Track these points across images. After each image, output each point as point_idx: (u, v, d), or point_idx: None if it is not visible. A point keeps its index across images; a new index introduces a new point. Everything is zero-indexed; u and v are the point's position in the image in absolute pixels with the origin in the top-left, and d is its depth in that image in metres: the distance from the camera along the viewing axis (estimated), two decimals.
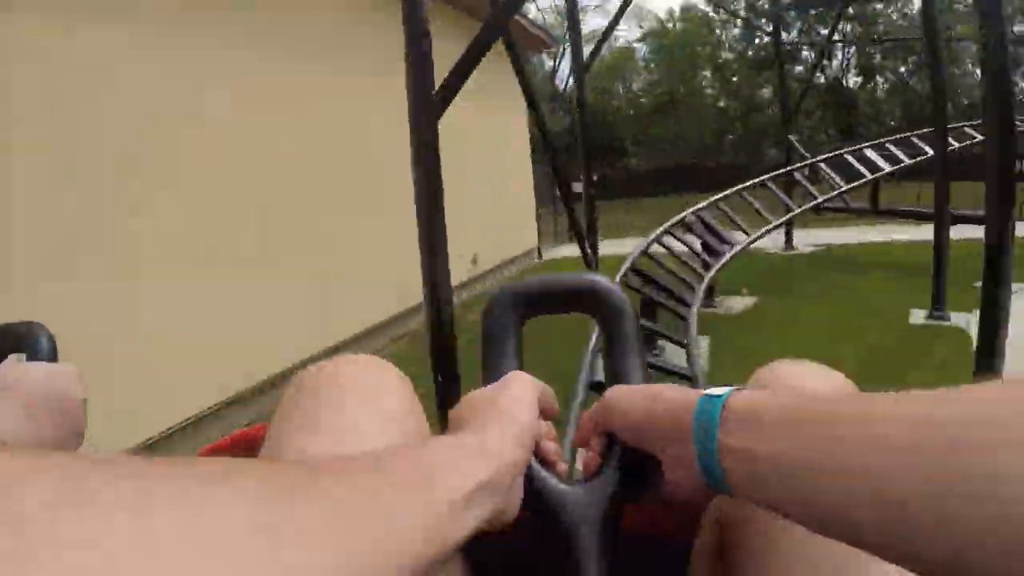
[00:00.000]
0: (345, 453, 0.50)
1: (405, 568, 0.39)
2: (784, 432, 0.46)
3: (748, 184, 7.85)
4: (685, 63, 32.41)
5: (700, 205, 6.88)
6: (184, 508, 0.29)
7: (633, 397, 0.62)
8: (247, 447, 0.80)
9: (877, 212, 10.32)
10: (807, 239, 11.93)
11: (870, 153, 9.57)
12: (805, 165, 9.37)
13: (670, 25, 34.13)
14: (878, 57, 31.95)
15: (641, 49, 35.63)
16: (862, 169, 9.23)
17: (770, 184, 8.37)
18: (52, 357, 0.92)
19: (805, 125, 26.44)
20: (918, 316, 6.53)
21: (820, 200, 8.60)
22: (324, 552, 0.33)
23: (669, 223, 6.46)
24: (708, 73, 33.86)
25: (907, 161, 9.53)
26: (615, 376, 0.72)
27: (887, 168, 9.26)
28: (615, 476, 0.62)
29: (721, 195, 7.31)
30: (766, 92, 31.24)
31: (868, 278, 8.73)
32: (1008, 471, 0.33)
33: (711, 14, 33.50)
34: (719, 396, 0.53)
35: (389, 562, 0.38)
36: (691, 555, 0.70)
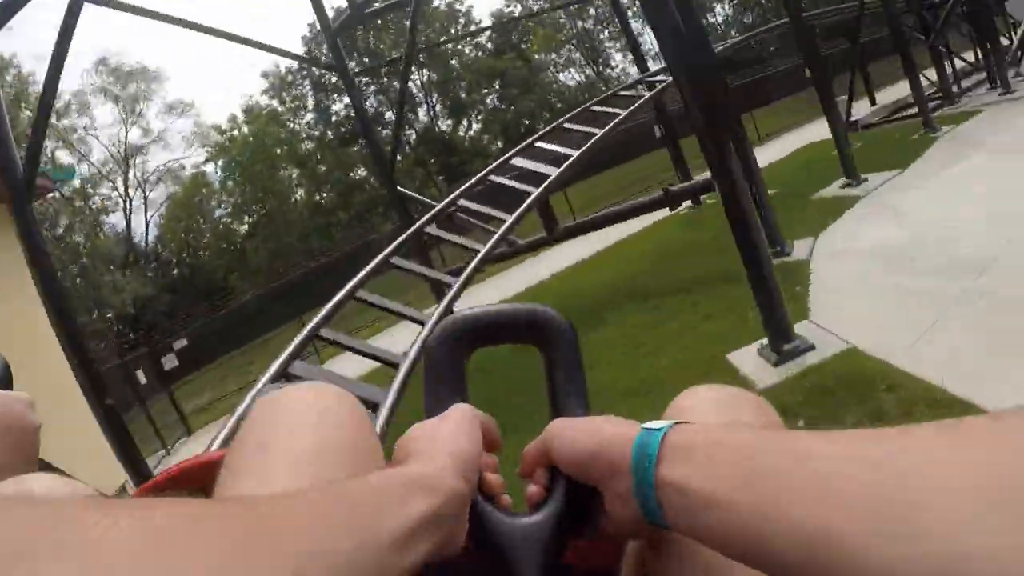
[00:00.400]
0: (299, 483, 0.51)
1: None
2: (719, 466, 0.47)
3: (358, 281, 5.89)
4: (264, 169, 30.37)
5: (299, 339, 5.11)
6: (147, 559, 0.31)
7: (575, 429, 0.62)
8: (202, 475, 0.73)
9: (554, 239, 8.47)
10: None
11: (523, 162, 7.38)
12: (429, 221, 7.18)
13: (235, 133, 31.91)
14: (464, 95, 33.63)
15: (215, 171, 33.02)
16: (523, 187, 7.32)
17: (398, 263, 6.35)
18: (6, 384, 0.94)
19: (410, 183, 25.43)
20: None
21: (478, 258, 6.33)
22: None
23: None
24: (294, 171, 32.19)
25: (574, 154, 7.74)
26: (557, 407, 0.73)
27: (554, 173, 7.33)
28: (558, 509, 0.62)
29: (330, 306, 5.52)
30: (362, 170, 30.29)
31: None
32: (923, 510, 0.34)
33: (278, 107, 31.73)
34: (659, 430, 0.53)
35: None
36: None
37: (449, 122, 41.44)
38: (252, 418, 0.62)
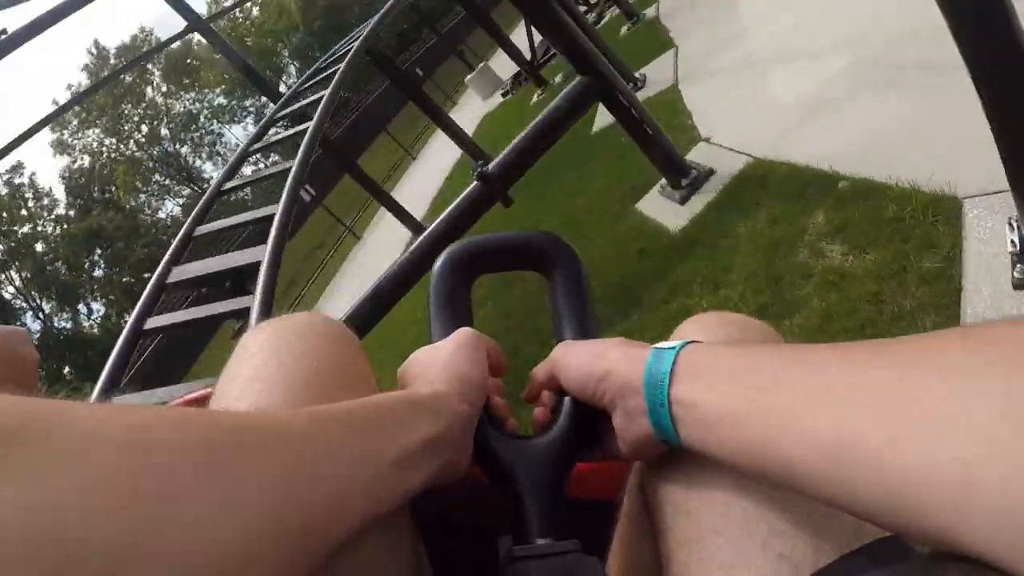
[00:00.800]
0: (293, 409, 0.48)
1: (353, 522, 0.41)
2: (732, 382, 0.47)
3: None
4: None
5: None
6: (133, 449, 0.31)
7: (582, 352, 0.62)
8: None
9: None
10: None
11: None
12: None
13: None
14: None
15: None
16: None
17: None
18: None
19: None
20: None
21: None
22: (270, 503, 0.35)
23: None
24: None
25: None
26: (564, 331, 0.73)
27: None
28: (565, 432, 0.62)
29: None
30: None
31: None
32: (941, 408, 0.33)
33: None
34: (670, 349, 0.53)
35: (336, 516, 0.40)
36: (618, 519, 0.68)
37: (66, 316, 38.38)
38: (241, 349, 0.59)
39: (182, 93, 45.08)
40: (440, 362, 0.61)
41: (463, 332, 0.67)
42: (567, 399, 0.63)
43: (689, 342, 0.54)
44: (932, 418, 0.34)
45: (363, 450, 0.44)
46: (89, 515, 0.28)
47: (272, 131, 6.85)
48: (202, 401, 0.72)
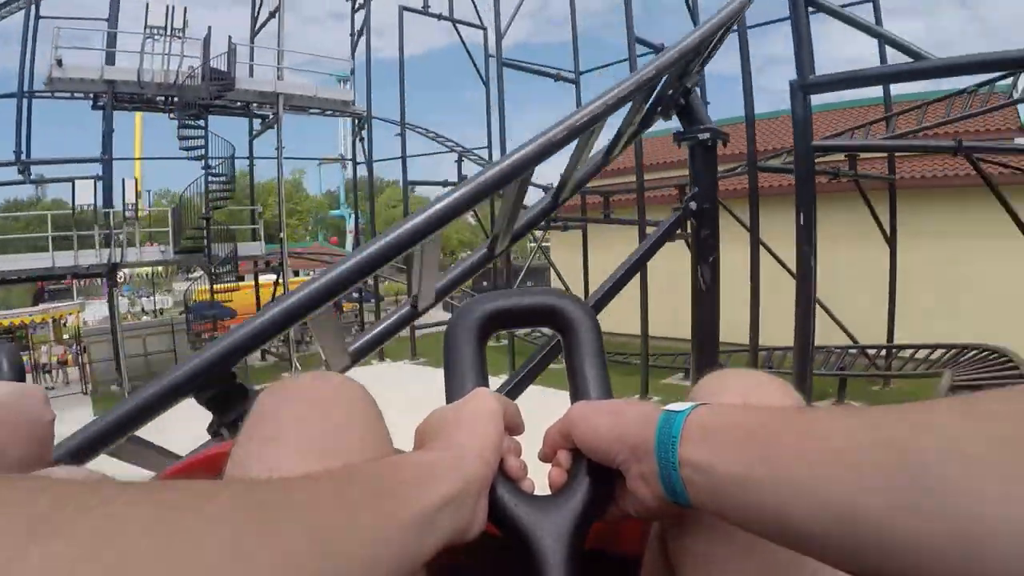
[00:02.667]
0: (310, 471, 0.46)
1: None
2: (742, 446, 0.47)
3: None
4: None
5: None
6: (158, 537, 0.30)
7: (597, 412, 0.62)
8: (209, 467, 0.77)
9: None
10: None
11: None
12: None
13: None
14: None
15: None
16: None
17: None
18: (19, 376, 0.96)
19: None
20: None
21: None
22: (296, 574, 0.34)
23: None
24: None
25: None
26: (579, 391, 0.72)
27: None
28: (581, 492, 0.61)
29: None
30: None
31: None
32: (946, 488, 0.34)
33: None
34: (681, 412, 0.53)
35: None
36: (640, 571, 0.69)
37: None
38: (257, 410, 0.59)
39: None
40: (457, 421, 0.61)
41: (480, 392, 0.67)
42: (583, 459, 0.63)
43: (700, 404, 0.55)
44: (940, 492, 0.34)
45: (383, 512, 0.43)
46: None
47: None
48: (218, 458, 0.70)
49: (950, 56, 4.62)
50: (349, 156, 21.94)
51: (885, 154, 10.18)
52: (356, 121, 16.22)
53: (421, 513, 0.46)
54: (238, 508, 0.35)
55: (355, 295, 18.59)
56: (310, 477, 0.43)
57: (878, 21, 8.82)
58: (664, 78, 2.38)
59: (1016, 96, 7.34)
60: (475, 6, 15.31)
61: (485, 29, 15.37)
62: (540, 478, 0.66)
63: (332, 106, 16.08)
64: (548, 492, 0.64)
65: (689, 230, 3.15)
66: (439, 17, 14.71)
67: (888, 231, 9.92)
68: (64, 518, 0.28)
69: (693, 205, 2.87)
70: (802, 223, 5.10)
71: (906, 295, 9.87)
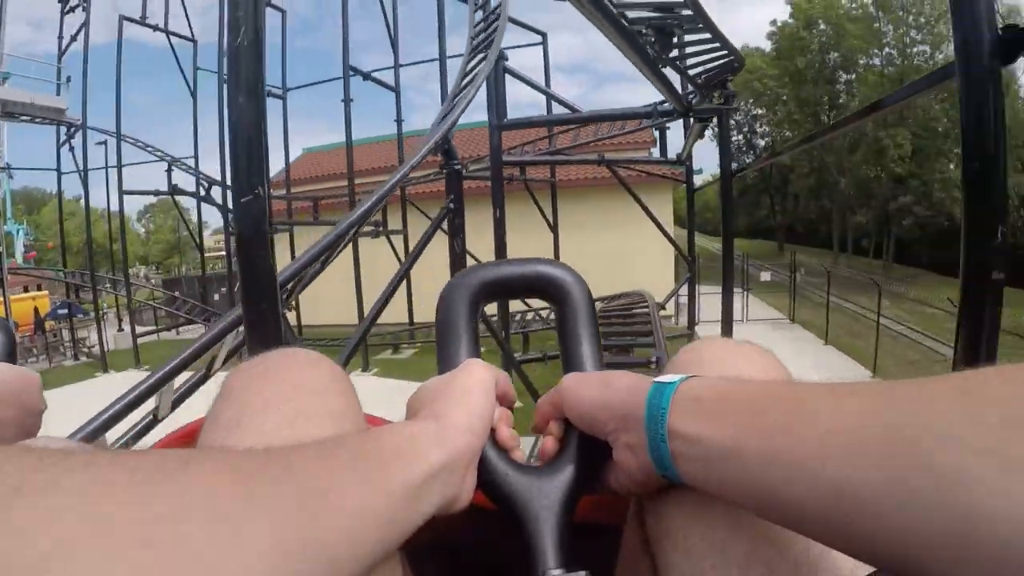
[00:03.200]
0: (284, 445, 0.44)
1: (363, 554, 0.39)
2: (732, 419, 0.47)
3: None
4: None
5: None
6: (142, 496, 0.30)
7: (587, 384, 0.62)
8: (188, 442, 0.76)
9: None
10: None
11: None
12: None
13: None
14: None
15: None
16: None
17: None
18: (10, 358, 0.92)
19: None
20: None
21: None
22: (283, 541, 0.33)
23: None
24: None
25: None
26: (571, 362, 0.72)
27: None
28: (571, 463, 0.62)
29: None
30: None
31: None
32: (943, 474, 0.34)
33: None
34: (671, 383, 0.53)
35: (348, 549, 0.38)
36: (620, 547, 0.70)
37: None
38: (225, 390, 0.58)
39: None
40: (447, 393, 0.60)
41: (471, 363, 0.66)
42: (574, 431, 0.63)
43: (691, 376, 0.54)
44: (935, 477, 0.34)
45: (371, 479, 0.43)
46: (98, 567, 0.26)
47: None
48: (190, 436, 0.70)
49: (597, 109, 7.78)
50: (4, 164, 19.55)
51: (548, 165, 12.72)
52: (69, 129, 15.48)
53: (407, 483, 0.46)
54: (221, 472, 0.34)
55: (62, 311, 17.56)
56: (295, 446, 0.42)
57: (547, 82, 11.25)
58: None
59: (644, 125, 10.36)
60: (188, 19, 15.61)
61: (195, 42, 15.72)
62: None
63: (46, 114, 15.07)
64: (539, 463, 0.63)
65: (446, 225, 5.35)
66: (155, 28, 14.73)
67: (551, 221, 12.50)
68: (46, 478, 0.28)
69: (452, 205, 5.14)
70: (497, 216, 7.12)
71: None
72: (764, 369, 0.63)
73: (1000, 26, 1.78)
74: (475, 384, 0.62)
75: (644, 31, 4.41)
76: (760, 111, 40.08)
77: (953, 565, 0.33)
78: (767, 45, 37.91)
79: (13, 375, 0.82)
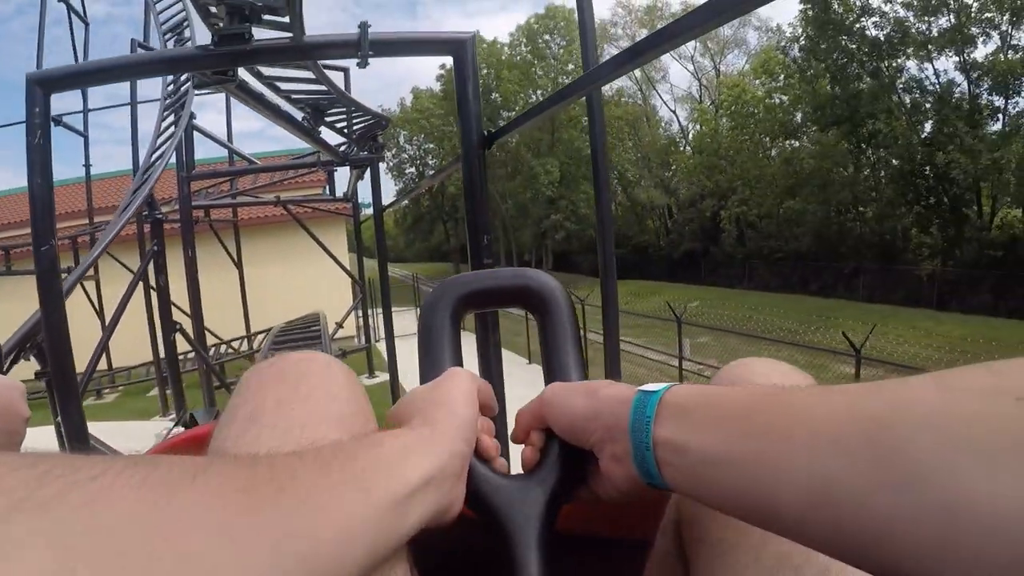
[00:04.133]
0: (292, 450, 0.46)
1: (354, 565, 0.40)
2: (718, 425, 0.47)
3: None
4: None
5: None
6: (147, 511, 0.30)
7: (571, 393, 0.62)
8: (194, 446, 0.78)
9: None
10: None
11: None
12: None
13: None
14: None
15: None
16: None
17: None
18: None
19: None
20: None
21: None
22: (283, 555, 0.34)
23: None
24: None
25: None
26: (553, 372, 0.72)
27: None
28: (553, 472, 0.62)
29: None
30: None
31: None
32: (922, 461, 0.34)
33: None
34: (656, 391, 0.54)
35: (341, 561, 0.39)
36: (649, 557, 0.70)
37: None
38: (241, 388, 0.59)
39: None
40: (434, 401, 0.61)
41: (455, 372, 0.67)
42: (555, 440, 0.63)
43: (675, 384, 0.54)
44: (915, 466, 0.34)
45: (364, 489, 0.43)
46: None
47: None
48: (202, 438, 0.70)
49: (274, 152, 8.91)
50: None
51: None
52: None
53: (400, 492, 0.46)
54: (226, 486, 0.35)
55: None
56: (295, 454, 0.43)
57: (230, 135, 11.61)
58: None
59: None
60: None
61: None
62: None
63: None
64: (521, 472, 0.62)
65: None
66: None
67: (235, 257, 13.01)
68: (51, 493, 0.28)
69: (156, 247, 6.31)
70: (189, 255, 7.93)
71: (257, 300, 13.45)
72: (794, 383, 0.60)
73: (485, 128, 2.64)
74: (460, 393, 0.62)
75: (302, 108, 5.91)
76: (431, 145, 43.37)
77: (935, 556, 0.33)
78: (438, 86, 41.52)
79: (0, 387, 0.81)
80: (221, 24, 2.83)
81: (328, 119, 6.33)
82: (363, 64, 2.97)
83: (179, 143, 7.98)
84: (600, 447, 0.58)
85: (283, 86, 5.08)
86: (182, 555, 0.30)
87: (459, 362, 0.73)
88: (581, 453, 0.61)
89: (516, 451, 0.68)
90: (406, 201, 43.79)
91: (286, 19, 2.82)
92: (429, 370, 0.71)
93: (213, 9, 2.83)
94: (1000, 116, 21.03)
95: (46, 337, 2.98)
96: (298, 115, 5.77)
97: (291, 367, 0.61)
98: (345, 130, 7.22)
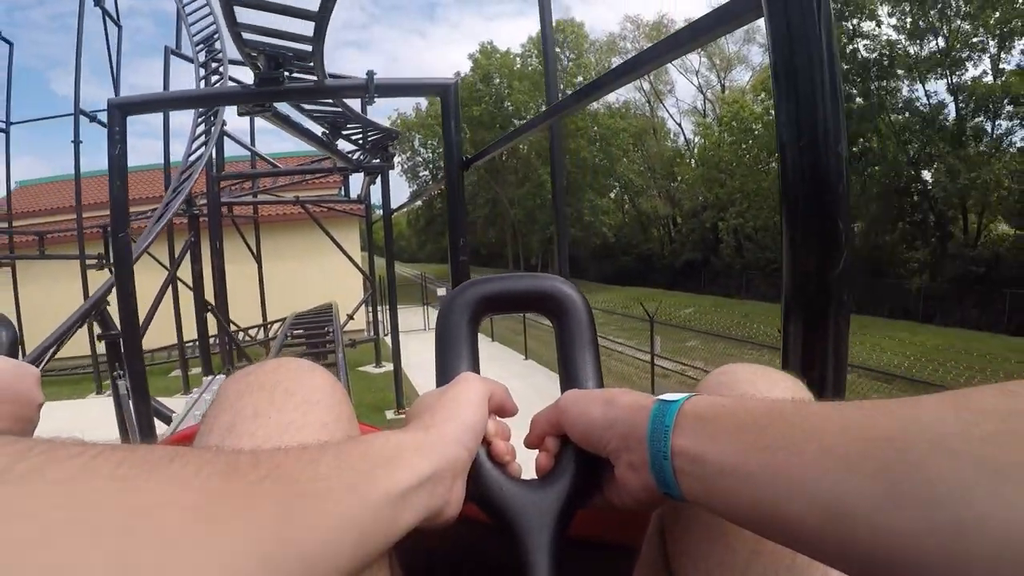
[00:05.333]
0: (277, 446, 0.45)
1: (342, 559, 0.39)
2: (735, 437, 0.46)
3: None
4: None
5: None
6: (123, 486, 0.30)
7: (589, 401, 0.61)
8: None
9: None
10: None
11: None
12: None
13: None
14: None
15: None
16: None
17: None
18: (12, 352, 0.93)
19: None
20: None
21: None
22: (260, 539, 0.33)
23: None
24: None
25: None
26: (570, 379, 0.72)
27: None
28: (567, 478, 0.61)
29: None
30: None
31: None
32: (936, 481, 0.34)
33: None
34: (676, 401, 0.53)
35: (326, 553, 0.38)
36: (635, 564, 0.69)
37: None
38: (220, 397, 0.58)
39: None
40: (439, 405, 0.61)
41: (466, 377, 0.66)
42: (570, 447, 0.63)
43: (694, 394, 0.54)
44: (928, 485, 0.34)
45: (355, 485, 0.43)
46: (77, 554, 0.26)
47: None
48: (186, 439, 0.68)
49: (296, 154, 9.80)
50: None
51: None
52: None
53: (390, 491, 0.45)
54: (205, 469, 0.34)
55: None
56: (281, 449, 0.42)
57: (252, 139, 12.00)
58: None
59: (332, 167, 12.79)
60: None
61: None
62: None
63: None
64: (534, 477, 0.63)
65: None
66: None
67: (255, 252, 13.83)
68: (30, 466, 0.28)
69: (192, 239, 7.20)
70: (217, 246, 8.84)
71: (273, 292, 14.38)
72: (790, 393, 0.62)
73: (464, 153, 3.40)
74: (467, 397, 0.62)
75: (323, 124, 6.79)
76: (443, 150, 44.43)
77: (946, 575, 0.33)
78: None
79: (10, 368, 0.82)
80: (261, 68, 3.70)
81: (344, 133, 7.19)
82: (370, 102, 3.93)
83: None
84: (616, 455, 0.57)
85: (306, 105, 5.94)
86: (156, 530, 0.29)
87: (474, 367, 0.72)
88: (596, 460, 0.61)
89: (525, 456, 0.67)
90: (419, 203, 44.84)
91: (311, 64, 3.71)
92: (444, 374, 0.70)
93: (254, 54, 3.70)
94: (983, 137, 21.65)
95: (120, 304, 3.85)
96: (318, 130, 6.63)
97: (269, 375, 0.59)
98: (359, 142, 8.09)
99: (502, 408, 0.68)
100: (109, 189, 3.71)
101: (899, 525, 0.35)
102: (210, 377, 7.46)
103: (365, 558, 0.42)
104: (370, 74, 3.63)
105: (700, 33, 1.41)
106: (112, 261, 3.86)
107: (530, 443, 0.67)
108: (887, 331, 17.80)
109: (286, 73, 3.70)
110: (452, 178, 3.50)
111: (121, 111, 3.61)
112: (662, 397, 0.55)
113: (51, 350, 4.24)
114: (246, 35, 3.58)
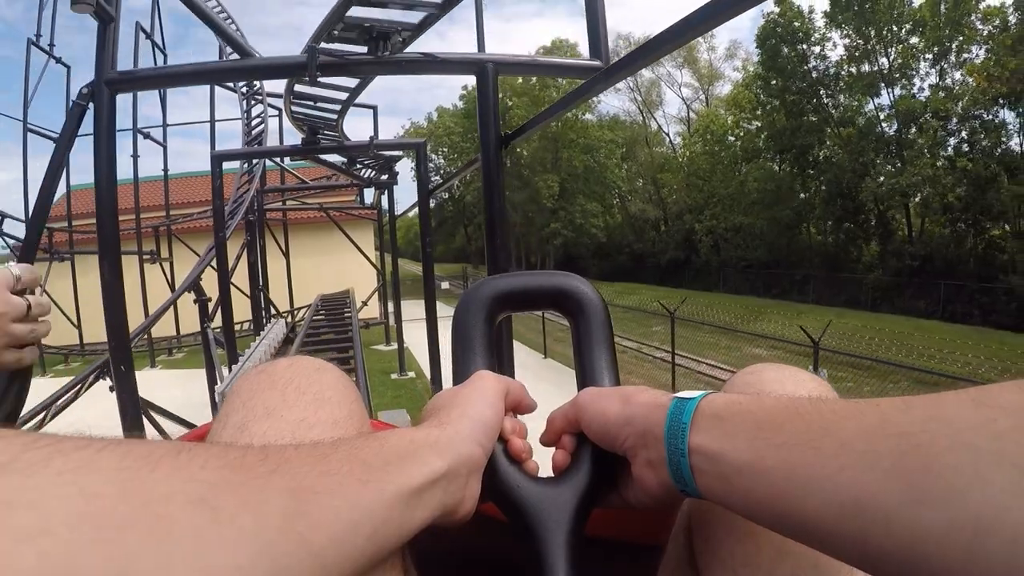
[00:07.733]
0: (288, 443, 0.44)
1: (353, 555, 0.38)
2: (752, 434, 0.45)
3: None
4: None
5: None
6: (128, 478, 0.29)
7: (606, 399, 0.60)
8: None
9: None
10: None
11: None
12: None
13: None
14: None
15: None
16: None
17: None
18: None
19: None
20: None
21: None
22: (267, 532, 0.32)
23: None
24: None
25: None
26: (587, 377, 0.70)
27: None
28: (584, 476, 0.60)
29: None
30: None
31: None
32: (954, 477, 0.33)
33: None
34: (693, 399, 0.52)
35: (336, 548, 0.36)
36: (659, 564, 0.67)
37: None
38: (232, 396, 0.57)
39: None
40: (454, 403, 0.59)
41: (480, 374, 0.65)
42: (587, 444, 0.61)
43: (711, 392, 0.53)
44: (947, 482, 0.33)
45: (367, 481, 0.41)
46: (79, 544, 0.26)
47: None
48: (199, 438, 0.64)
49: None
50: None
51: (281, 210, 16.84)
52: None
53: (404, 488, 0.44)
54: (212, 463, 0.34)
55: None
56: (291, 445, 0.41)
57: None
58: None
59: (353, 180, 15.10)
60: None
61: None
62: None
63: None
64: (551, 475, 0.61)
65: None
66: None
67: (284, 249, 15.66)
68: (37, 457, 0.28)
69: (248, 238, 9.62)
70: (261, 245, 11.27)
71: (301, 281, 16.47)
72: (816, 394, 0.59)
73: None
74: (482, 394, 0.60)
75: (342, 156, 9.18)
76: (455, 156, 46.86)
77: (964, 571, 0.32)
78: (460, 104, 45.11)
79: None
80: (304, 132, 6.16)
81: (359, 160, 9.59)
82: (372, 155, 6.55)
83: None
84: (634, 453, 0.56)
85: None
86: (160, 520, 0.28)
87: (491, 364, 0.70)
88: (613, 458, 0.59)
89: (542, 454, 0.65)
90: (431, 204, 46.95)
91: (336, 134, 6.22)
92: (460, 372, 0.69)
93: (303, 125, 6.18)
94: (910, 148, 23.79)
95: (220, 293, 6.25)
96: (338, 160, 9.10)
97: (281, 373, 0.58)
98: (371, 166, 10.48)
99: (519, 405, 0.66)
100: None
101: (917, 521, 0.34)
102: (270, 323, 9.99)
103: (378, 554, 0.40)
104: (372, 138, 6.13)
105: None
106: (215, 246, 6.15)
107: (546, 441, 0.65)
108: (820, 316, 19.30)
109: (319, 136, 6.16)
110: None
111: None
112: (679, 395, 0.54)
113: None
114: (295, 109, 5.91)
